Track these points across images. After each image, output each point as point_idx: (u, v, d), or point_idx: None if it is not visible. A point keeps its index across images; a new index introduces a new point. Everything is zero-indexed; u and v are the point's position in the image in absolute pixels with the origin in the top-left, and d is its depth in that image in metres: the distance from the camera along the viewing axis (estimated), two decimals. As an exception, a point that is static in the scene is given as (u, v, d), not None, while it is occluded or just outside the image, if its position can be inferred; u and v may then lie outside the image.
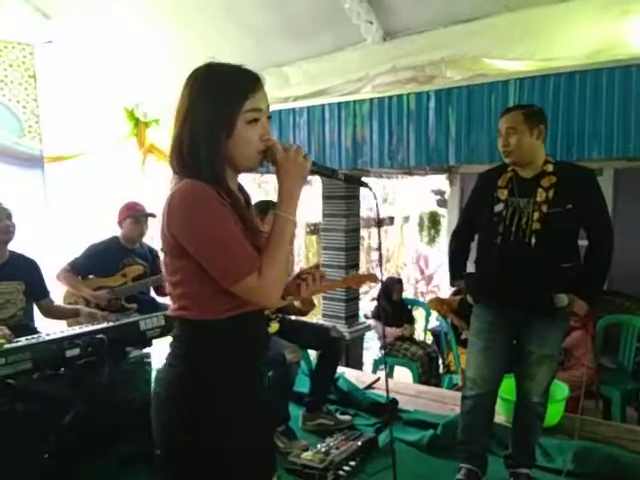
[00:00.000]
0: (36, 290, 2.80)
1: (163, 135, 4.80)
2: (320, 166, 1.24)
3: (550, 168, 2.14)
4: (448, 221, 5.63)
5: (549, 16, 2.70)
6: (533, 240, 2.10)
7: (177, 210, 1.11)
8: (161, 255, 3.54)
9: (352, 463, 2.49)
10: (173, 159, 1.18)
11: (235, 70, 1.17)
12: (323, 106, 3.61)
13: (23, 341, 2.21)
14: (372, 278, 2.58)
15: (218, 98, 1.13)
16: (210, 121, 1.12)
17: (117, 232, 3.40)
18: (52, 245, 3.68)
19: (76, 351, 2.30)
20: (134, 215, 3.31)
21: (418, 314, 4.92)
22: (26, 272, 2.75)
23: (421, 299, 6.46)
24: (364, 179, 1.39)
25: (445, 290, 5.59)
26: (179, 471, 1.18)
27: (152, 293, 3.56)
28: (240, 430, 1.20)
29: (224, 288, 1.12)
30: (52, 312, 2.88)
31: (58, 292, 3.17)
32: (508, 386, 2.57)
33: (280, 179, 1.17)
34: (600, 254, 2.16)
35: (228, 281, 1.11)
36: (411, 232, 7.79)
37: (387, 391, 1.80)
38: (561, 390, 2.86)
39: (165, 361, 1.23)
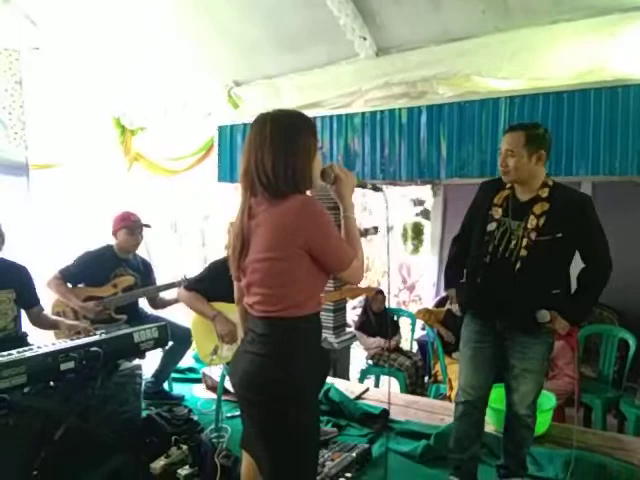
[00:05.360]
0: (27, 298, 2.73)
1: (149, 143, 4.78)
2: (358, 180, 1.68)
3: (545, 193, 2.10)
4: (431, 231, 5.70)
5: (539, 37, 2.80)
6: (518, 265, 2.11)
7: (311, 218, 1.46)
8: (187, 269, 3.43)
9: (348, 475, 2.49)
10: (277, 181, 1.46)
11: (303, 116, 1.57)
12: (315, 118, 3.62)
13: (16, 354, 2.17)
14: (368, 291, 2.61)
15: (309, 136, 1.52)
16: (308, 151, 1.51)
17: (111, 241, 3.35)
18: (37, 252, 3.61)
19: (71, 364, 2.26)
20: (129, 226, 3.28)
21: (403, 324, 4.95)
22: (17, 280, 2.68)
23: (404, 308, 6.49)
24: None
25: (427, 299, 5.63)
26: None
27: (141, 304, 3.52)
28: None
29: (318, 288, 1.57)
30: (39, 321, 2.81)
31: (47, 300, 3.10)
32: (497, 396, 2.62)
33: (342, 191, 1.60)
34: (594, 279, 2.16)
35: (345, 265, 1.53)
36: (393, 242, 7.86)
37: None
38: (548, 400, 2.92)
39: (252, 354, 1.54)
